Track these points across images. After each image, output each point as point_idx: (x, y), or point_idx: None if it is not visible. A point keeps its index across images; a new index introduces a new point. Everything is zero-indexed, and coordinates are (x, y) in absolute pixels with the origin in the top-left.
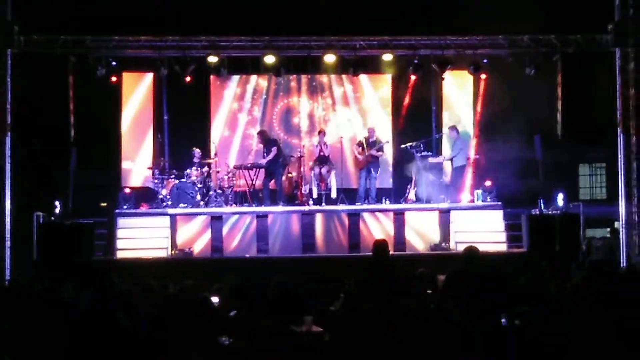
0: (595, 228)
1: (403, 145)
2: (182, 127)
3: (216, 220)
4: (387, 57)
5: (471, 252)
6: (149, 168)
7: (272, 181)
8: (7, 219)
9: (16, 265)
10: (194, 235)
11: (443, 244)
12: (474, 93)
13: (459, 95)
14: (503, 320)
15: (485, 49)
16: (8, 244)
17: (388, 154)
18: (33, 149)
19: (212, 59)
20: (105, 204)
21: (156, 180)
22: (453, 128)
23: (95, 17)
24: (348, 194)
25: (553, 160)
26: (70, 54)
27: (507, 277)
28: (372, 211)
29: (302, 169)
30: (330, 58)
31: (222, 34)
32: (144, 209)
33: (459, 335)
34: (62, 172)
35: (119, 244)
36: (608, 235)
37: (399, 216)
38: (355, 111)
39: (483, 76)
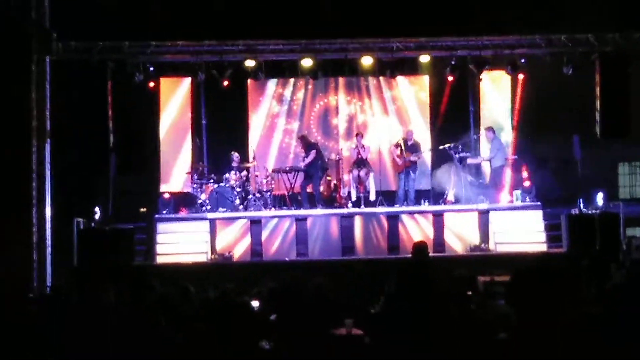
0: (635, 227)
1: (441, 147)
2: (221, 131)
3: (255, 224)
4: (424, 58)
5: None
6: (187, 173)
7: (310, 184)
8: (48, 226)
9: (57, 271)
10: (234, 240)
11: (482, 245)
12: (512, 93)
13: (497, 96)
14: None
15: (522, 48)
16: (49, 250)
17: (426, 156)
18: (72, 155)
19: (250, 63)
20: (144, 209)
21: (195, 185)
22: (489, 129)
23: (133, 22)
24: (387, 196)
25: (592, 159)
26: (108, 60)
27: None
28: (411, 213)
29: (340, 171)
30: (367, 60)
31: (259, 37)
32: (183, 213)
33: (501, 337)
34: (101, 178)
35: (159, 249)
36: None
37: (438, 217)
38: (392, 113)
39: (521, 76)
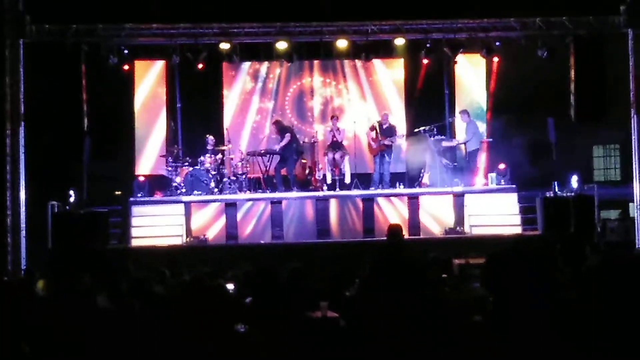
0: (610, 209)
1: (416, 129)
2: (195, 114)
3: (230, 207)
4: (399, 41)
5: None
6: (162, 156)
7: (285, 168)
8: (22, 209)
9: (31, 254)
10: (209, 223)
11: (458, 228)
12: (487, 76)
13: (472, 79)
14: None
15: (497, 31)
16: (23, 233)
17: (401, 141)
18: (47, 139)
19: (224, 46)
20: (119, 193)
21: (170, 168)
22: (464, 112)
23: (107, 5)
24: (362, 179)
25: (567, 142)
26: (82, 43)
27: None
28: (386, 196)
29: (315, 154)
30: (342, 43)
31: (233, 20)
32: (158, 196)
33: (476, 319)
34: (76, 161)
35: (134, 232)
36: (623, 216)
37: (413, 200)
38: (368, 96)
39: (495, 59)
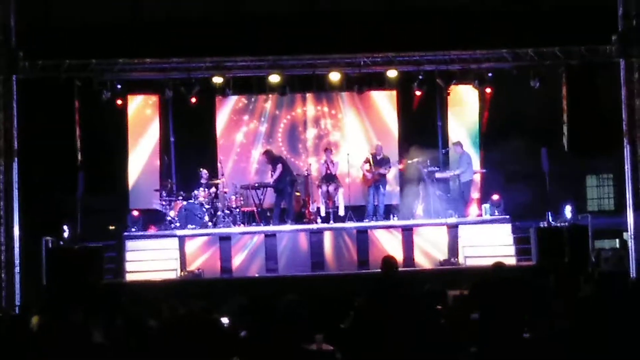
0: (603, 239)
1: (410, 161)
2: (189, 148)
3: (224, 241)
4: (392, 73)
5: (499, 267)
6: (156, 190)
7: (283, 200)
8: (16, 244)
9: (26, 290)
10: (203, 256)
11: (452, 259)
12: (480, 107)
13: (465, 110)
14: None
15: (489, 62)
16: (17, 269)
17: (395, 170)
18: (40, 174)
19: (217, 80)
20: (113, 227)
21: (164, 202)
22: (458, 144)
23: (100, 40)
24: (356, 211)
25: (560, 172)
26: (75, 78)
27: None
28: (380, 228)
29: (309, 187)
30: (335, 76)
31: (226, 54)
32: (152, 231)
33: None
34: (69, 196)
35: (128, 266)
36: (617, 246)
37: (407, 232)
38: (361, 128)
39: (488, 90)
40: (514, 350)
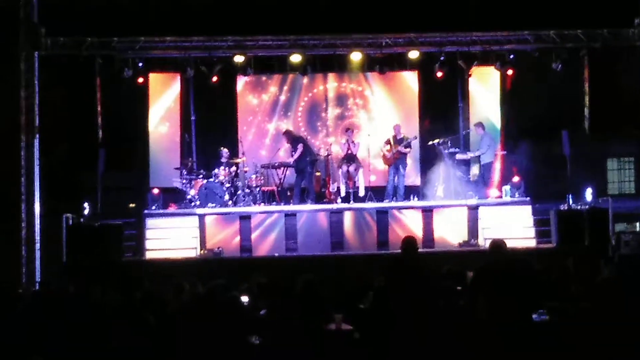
0: (624, 222)
1: (430, 142)
2: (209, 127)
3: (244, 220)
4: (413, 54)
5: (496, 246)
6: (176, 168)
7: (303, 180)
8: (37, 221)
9: (46, 267)
10: (223, 235)
11: (472, 241)
12: (501, 89)
13: (486, 92)
14: (535, 316)
15: (511, 44)
16: (37, 246)
17: (415, 151)
18: (61, 151)
19: (238, 59)
20: (133, 205)
21: (184, 181)
22: (479, 125)
23: (121, 18)
24: (376, 192)
25: (581, 155)
26: (96, 55)
27: (535, 271)
28: (400, 208)
29: (329, 167)
30: (356, 56)
31: (247, 33)
32: (172, 209)
33: (488, 331)
34: (90, 173)
35: (148, 244)
36: (637, 229)
37: (427, 213)
38: (382, 109)
39: (510, 72)
40: (521, 334)
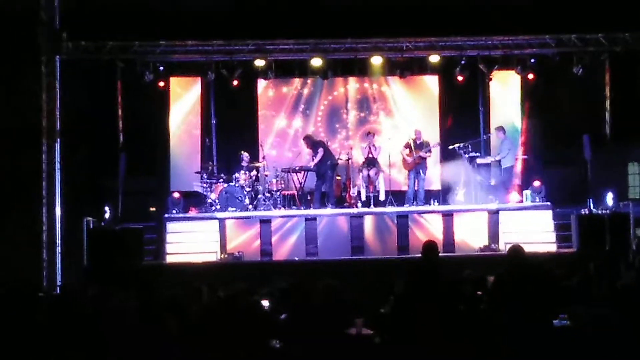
0: None
1: (451, 147)
2: (230, 131)
3: (265, 224)
4: (434, 58)
5: (515, 252)
6: (197, 172)
7: (324, 184)
8: (58, 225)
9: (67, 270)
10: (244, 239)
11: (492, 245)
12: (522, 93)
13: (507, 96)
14: (556, 321)
15: (532, 48)
16: (59, 249)
17: (436, 156)
18: (82, 154)
19: (259, 63)
20: (154, 209)
21: (205, 185)
22: (500, 129)
23: (142, 22)
24: (396, 196)
25: (602, 159)
26: (117, 59)
27: (555, 277)
28: (421, 213)
29: (350, 171)
30: (377, 60)
31: (268, 37)
32: (192, 213)
33: (509, 336)
34: (111, 177)
35: (169, 248)
36: None
37: (447, 217)
38: (402, 113)
39: (530, 76)
40: (541, 340)
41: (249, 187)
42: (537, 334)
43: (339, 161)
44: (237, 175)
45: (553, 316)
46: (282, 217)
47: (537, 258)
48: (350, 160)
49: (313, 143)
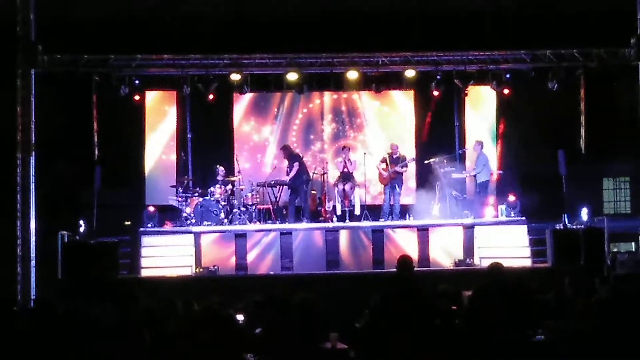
0: (620, 242)
1: (426, 161)
2: (206, 145)
3: (240, 238)
4: (410, 73)
5: (495, 268)
6: (172, 186)
7: (297, 198)
8: (32, 238)
9: (41, 284)
10: (219, 253)
11: (467, 260)
12: (497, 108)
13: (482, 111)
14: (538, 337)
15: (507, 63)
16: (33, 263)
17: (411, 170)
18: (57, 168)
19: (235, 77)
20: (129, 223)
21: (180, 199)
22: (479, 143)
23: (118, 36)
24: (372, 211)
25: (576, 174)
26: (93, 73)
27: (532, 292)
28: (396, 227)
29: (325, 185)
30: (352, 75)
31: (244, 51)
32: (168, 227)
33: (486, 351)
34: (86, 191)
35: (144, 262)
36: (633, 249)
37: (422, 232)
38: (378, 127)
39: (506, 91)
40: (520, 354)
41: (225, 201)
42: (516, 349)
43: (314, 175)
44: (212, 189)
45: (533, 332)
46: (257, 231)
47: (514, 273)
48: (325, 175)
49: (290, 155)
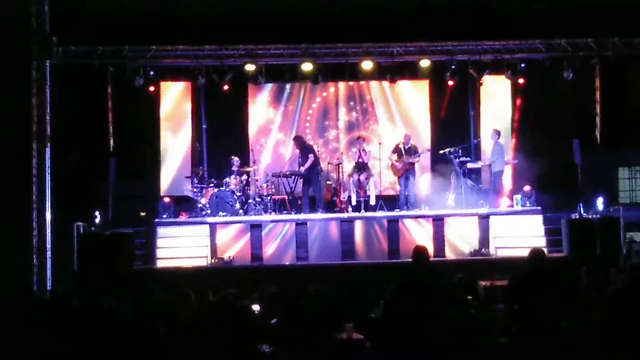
0: (635, 231)
1: (441, 151)
2: (221, 135)
3: (255, 229)
4: (425, 62)
5: (536, 254)
6: (187, 177)
7: (311, 188)
8: (48, 230)
9: (57, 275)
10: (234, 244)
11: (482, 250)
12: (512, 98)
13: (497, 100)
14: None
15: (522, 53)
16: (49, 254)
17: (426, 160)
18: (73, 159)
19: (250, 67)
20: (144, 214)
21: (195, 189)
22: (496, 132)
23: (133, 27)
24: (387, 201)
25: (592, 164)
26: (108, 64)
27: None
28: (411, 217)
29: (340, 176)
30: (367, 65)
31: (259, 42)
32: (183, 218)
33: (502, 341)
34: (101, 182)
35: (159, 253)
36: None
37: (438, 222)
38: (393, 117)
39: (521, 80)
40: (549, 342)
41: (240, 192)
42: (547, 338)
43: (329, 166)
44: (227, 179)
45: (565, 321)
46: (272, 221)
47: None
48: (340, 165)
49: (303, 146)
